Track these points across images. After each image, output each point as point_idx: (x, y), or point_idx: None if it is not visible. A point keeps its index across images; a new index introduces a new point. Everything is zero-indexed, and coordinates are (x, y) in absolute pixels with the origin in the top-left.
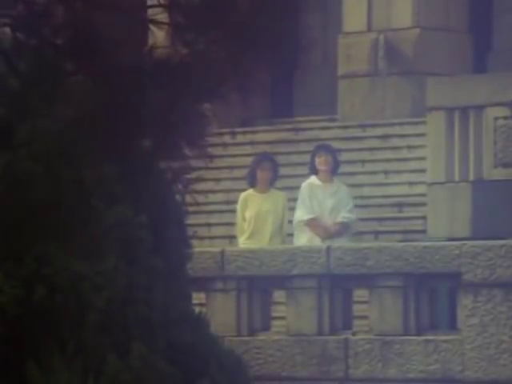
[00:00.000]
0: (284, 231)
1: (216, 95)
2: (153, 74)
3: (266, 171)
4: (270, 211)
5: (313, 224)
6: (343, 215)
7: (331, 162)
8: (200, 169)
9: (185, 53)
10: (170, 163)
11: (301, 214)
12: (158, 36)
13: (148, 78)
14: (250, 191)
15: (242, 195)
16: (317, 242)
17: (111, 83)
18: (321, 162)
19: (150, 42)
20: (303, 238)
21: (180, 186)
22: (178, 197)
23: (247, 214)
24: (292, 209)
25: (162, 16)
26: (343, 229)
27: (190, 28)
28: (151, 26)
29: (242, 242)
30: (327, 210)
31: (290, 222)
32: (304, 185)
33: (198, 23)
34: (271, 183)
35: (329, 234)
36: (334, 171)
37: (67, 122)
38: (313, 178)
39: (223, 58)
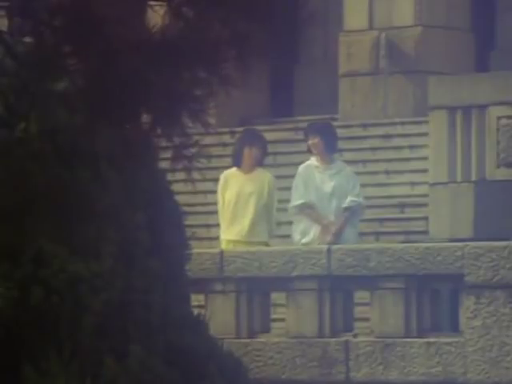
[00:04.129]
0: (272, 219)
1: (215, 70)
2: (152, 52)
3: (254, 149)
4: (254, 193)
5: (307, 211)
6: (351, 199)
7: (321, 144)
8: (201, 146)
9: (184, 29)
10: (171, 139)
11: (293, 199)
12: (158, 14)
13: (147, 55)
14: (233, 170)
15: (223, 174)
16: (314, 230)
17: (109, 62)
18: (311, 146)
19: (150, 19)
20: (300, 226)
21: (185, 162)
22: (173, 185)
23: (227, 196)
24: (285, 200)
25: None
26: (349, 215)
27: (190, 5)
28: (150, 4)
29: (222, 230)
30: (326, 195)
31: (283, 210)
32: (301, 167)
33: (196, 1)
34: (259, 163)
35: (326, 227)
36: (330, 150)
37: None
38: (311, 160)
39: (224, 35)
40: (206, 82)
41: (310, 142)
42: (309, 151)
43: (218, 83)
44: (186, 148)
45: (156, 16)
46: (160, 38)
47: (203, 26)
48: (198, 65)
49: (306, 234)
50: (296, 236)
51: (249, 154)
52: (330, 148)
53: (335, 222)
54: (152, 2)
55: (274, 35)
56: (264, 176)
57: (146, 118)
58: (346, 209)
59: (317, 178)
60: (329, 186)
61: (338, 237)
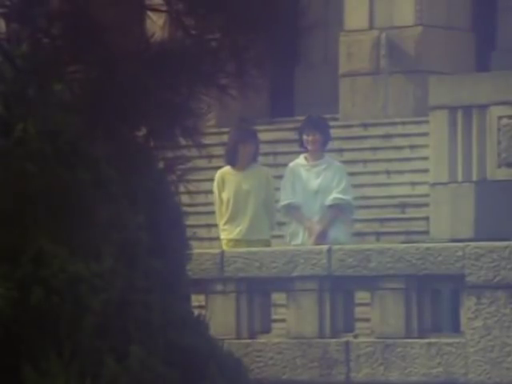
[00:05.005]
0: (272, 214)
1: (214, 84)
2: (151, 62)
3: (249, 146)
4: (252, 190)
5: (292, 212)
6: (334, 196)
7: (319, 141)
8: (194, 158)
9: (184, 39)
10: (163, 153)
11: (280, 200)
12: (157, 23)
13: (146, 65)
14: (227, 169)
15: (218, 174)
16: (302, 232)
17: (108, 71)
18: (308, 141)
19: (149, 29)
20: (289, 228)
21: (174, 177)
22: (172, 188)
23: (225, 195)
24: None
25: (161, 2)
26: (335, 213)
27: (190, 14)
28: (150, 13)
29: (222, 228)
30: (311, 193)
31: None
32: (289, 166)
33: (197, 9)
34: (254, 159)
35: (309, 229)
36: (324, 147)
37: (64, 109)
38: (300, 159)
39: (224, 44)
40: (203, 94)
41: (309, 137)
42: (302, 146)
43: (216, 96)
44: (176, 163)
45: (155, 26)
46: (159, 47)
47: (203, 35)
48: (197, 76)
49: (294, 236)
50: (286, 238)
51: (244, 151)
52: (324, 145)
53: (319, 222)
54: (152, 12)
55: (274, 46)
56: (261, 171)
57: (142, 129)
58: (331, 207)
59: (303, 176)
60: (314, 184)
61: (321, 238)
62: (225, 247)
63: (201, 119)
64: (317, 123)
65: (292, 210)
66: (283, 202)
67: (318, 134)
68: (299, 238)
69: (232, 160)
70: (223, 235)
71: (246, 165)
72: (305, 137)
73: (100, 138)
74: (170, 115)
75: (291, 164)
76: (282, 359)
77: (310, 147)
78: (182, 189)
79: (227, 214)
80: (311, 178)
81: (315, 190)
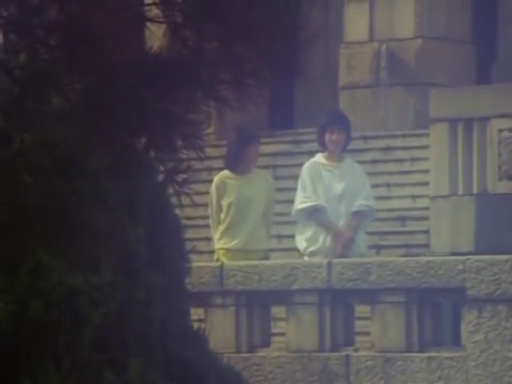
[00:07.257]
0: (269, 223)
1: (212, 94)
2: (149, 72)
3: (254, 148)
4: (254, 197)
5: (316, 216)
6: (361, 202)
7: (344, 141)
8: (196, 170)
9: (182, 50)
10: (163, 163)
11: (299, 202)
12: (156, 34)
13: (144, 75)
14: (226, 173)
15: (217, 178)
16: (323, 237)
17: (106, 81)
18: (332, 140)
19: (147, 39)
20: (306, 233)
21: (175, 186)
22: (173, 199)
23: (225, 202)
24: (286, 214)
25: (159, 13)
26: (360, 219)
27: (187, 25)
28: (148, 24)
29: (218, 237)
30: (335, 197)
31: (284, 223)
32: (306, 166)
33: (195, 21)
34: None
35: (337, 236)
36: (345, 148)
37: (61, 117)
38: (318, 157)
39: (222, 55)
40: (202, 104)
41: (333, 136)
42: (322, 146)
43: (214, 106)
44: (177, 173)
45: (154, 37)
46: (157, 58)
47: (201, 46)
48: (195, 87)
49: (313, 242)
50: (301, 243)
51: (253, 154)
52: (346, 146)
53: (346, 230)
54: (149, 23)
55: (272, 57)
56: (263, 178)
57: (140, 139)
58: (356, 213)
59: (325, 178)
60: (338, 188)
61: (349, 248)
62: (222, 257)
63: (200, 127)
64: (342, 120)
65: (317, 213)
66: (305, 204)
67: (342, 132)
68: (318, 244)
69: (234, 164)
70: (220, 244)
71: (249, 168)
72: (327, 136)
73: (99, 148)
74: (169, 124)
75: (308, 163)
76: (281, 373)
77: (331, 147)
78: (181, 201)
79: (226, 221)
80: (334, 181)
81: (339, 195)
